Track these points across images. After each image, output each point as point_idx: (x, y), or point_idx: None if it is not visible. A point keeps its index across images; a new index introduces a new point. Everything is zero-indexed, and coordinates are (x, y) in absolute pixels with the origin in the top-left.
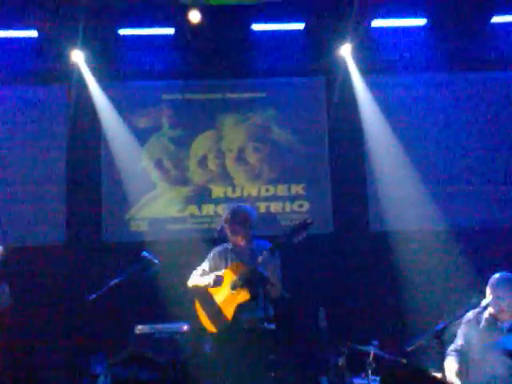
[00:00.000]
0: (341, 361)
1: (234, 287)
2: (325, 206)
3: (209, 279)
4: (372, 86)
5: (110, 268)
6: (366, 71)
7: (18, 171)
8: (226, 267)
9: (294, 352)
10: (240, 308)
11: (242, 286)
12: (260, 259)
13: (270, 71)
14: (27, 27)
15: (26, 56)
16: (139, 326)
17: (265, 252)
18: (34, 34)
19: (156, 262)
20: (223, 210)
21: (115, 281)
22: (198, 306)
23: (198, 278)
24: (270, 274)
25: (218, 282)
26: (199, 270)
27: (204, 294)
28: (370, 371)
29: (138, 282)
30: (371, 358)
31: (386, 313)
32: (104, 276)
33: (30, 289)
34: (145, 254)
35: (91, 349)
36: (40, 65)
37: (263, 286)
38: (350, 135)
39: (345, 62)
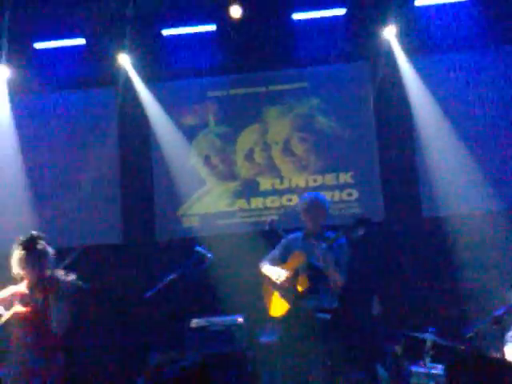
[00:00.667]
0: (398, 349)
1: (296, 275)
2: (375, 194)
3: (269, 272)
4: (418, 66)
5: (165, 264)
6: (412, 52)
7: (71, 174)
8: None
9: (350, 341)
10: (303, 295)
11: (304, 275)
12: (319, 251)
13: (312, 60)
14: (75, 35)
15: (74, 63)
16: (195, 320)
17: (323, 246)
18: (82, 41)
19: (209, 255)
20: (298, 199)
21: (171, 277)
22: (264, 291)
23: (267, 265)
24: (330, 265)
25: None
26: (270, 255)
27: (273, 282)
28: (428, 359)
29: (192, 276)
30: (429, 345)
31: (442, 299)
32: (159, 273)
33: (87, 288)
34: (198, 248)
35: (149, 344)
36: (88, 70)
37: (322, 277)
38: (398, 119)
39: (389, 44)
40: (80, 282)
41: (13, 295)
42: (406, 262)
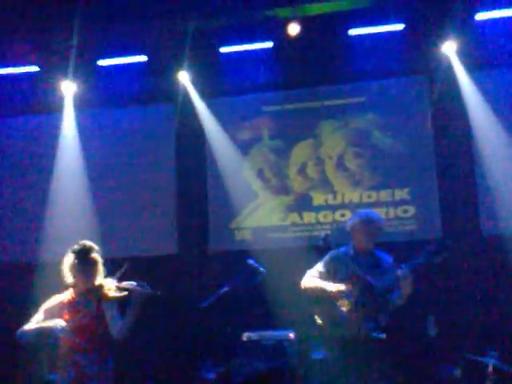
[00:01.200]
0: (457, 372)
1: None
2: (432, 210)
3: (332, 287)
4: (477, 81)
5: (217, 276)
6: (471, 66)
7: (130, 186)
8: (345, 272)
9: (405, 362)
10: (364, 316)
11: (358, 299)
12: (400, 273)
13: (369, 74)
14: (137, 52)
15: (136, 79)
16: (246, 333)
17: (404, 269)
18: (143, 58)
19: (261, 269)
20: (350, 216)
21: (225, 288)
22: (318, 309)
23: (316, 279)
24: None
25: (347, 296)
26: (314, 271)
27: (325, 298)
28: None
29: (244, 289)
30: (491, 369)
31: (504, 322)
32: (212, 284)
33: (157, 295)
34: (250, 261)
35: (201, 355)
36: (148, 86)
37: (384, 299)
38: (456, 135)
39: (448, 59)
40: (149, 289)
41: (60, 304)
42: (464, 282)
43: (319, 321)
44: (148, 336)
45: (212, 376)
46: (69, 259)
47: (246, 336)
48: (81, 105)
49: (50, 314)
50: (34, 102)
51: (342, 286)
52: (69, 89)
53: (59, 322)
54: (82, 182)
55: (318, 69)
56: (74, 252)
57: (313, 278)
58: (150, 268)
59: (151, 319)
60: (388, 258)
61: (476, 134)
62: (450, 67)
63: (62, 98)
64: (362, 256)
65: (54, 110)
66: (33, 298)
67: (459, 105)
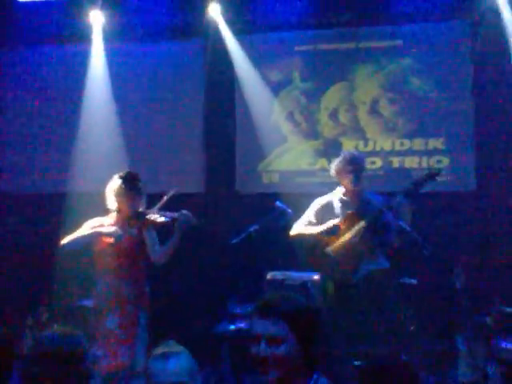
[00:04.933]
0: (489, 321)
1: (352, 237)
2: (466, 162)
3: (321, 228)
4: None
5: (243, 218)
6: None
7: (158, 122)
8: (335, 217)
9: (430, 309)
10: (358, 258)
11: (361, 236)
12: (396, 203)
13: (408, 17)
14: None
15: (165, 12)
16: (271, 273)
17: (399, 196)
18: None
19: (289, 211)
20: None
21: (254, 227)
22: (309, 257)
23: (305, 227)
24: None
25: (334, 231)
26: (303, 220)
27: (316, 243)
28: None
29: (272, 230)
30: None
31: None
32: (238, 224)
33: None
34: (278, 203)
35: (227, 292)
36: (177, 20)
37: (384, 236)
38: (498, 84)
39: (494, 3)
40: (193, 218)
41: (101, 226)
42: (495, 234)
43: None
44: (178, 269)
45: (239, 311)
46: (114, 184)
47: (270, 275)
48: (110, 37)
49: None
50: (63, 31)
51: (327, 224)
52: (97, 19)
53: (117, 229)
54: (110, 115)
55: (354, 9)
56: (121, 177)
57: (302, 226)
58: (177, 205)
59: (182, 253)
60: (378, 199)
61: None
62: (494, 10)
63: (90, 29)
64: (352, 199)
65: (83, 41)
66: (62, 227)
67: (504, 53)
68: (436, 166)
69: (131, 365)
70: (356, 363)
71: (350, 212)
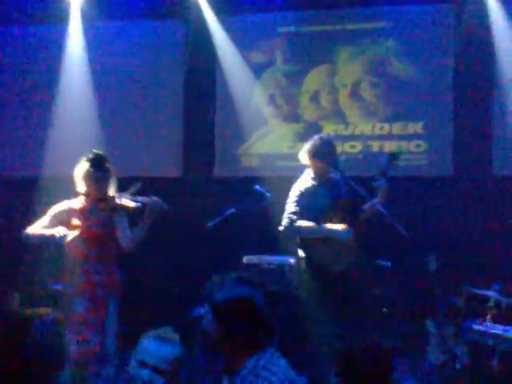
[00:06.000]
0: (459, 302)
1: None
2: (445, 147)
3: (329, 232)
4: (509, 11)
5: (222, 201)
6: None
7: (136, 103)
8: (322, 202)
9: (402, 292)
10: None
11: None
12: (378, 184)
13: None
14: None
15: None
16: (247, 257)
17: (380, 180)
18: None
19: (268, 195)
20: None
21: (230, 210)
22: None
23: (303, 223)
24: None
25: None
26: (291, 214)
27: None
28: (489, 317)
29: (249, 213)
30: (492, 303)
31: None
32: (216, 208)
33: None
34: (257, 187)
35: (203, 275)
36: (158, 0)
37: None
38: (478, 70)
39: None
40: (164, 204)
41: (70, 209)
42: (471, 219)
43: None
44: (153, 253)
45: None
46: (83, 167)
47: (246, 259)
48: (87, 16)
49: (58, 219)
50: (39, 11)
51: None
52: None
53: (61, 230)
54: (87, 97)
55: None
56: (88, 160)
57: (293, 219)
58: (154, 188)
59: (158, 236)
60: (341, 180)
61: (500, 71)
62: None
63: (67, 8)
64: (324, 183)
65: (61, 20)
66: (35, 212)
67: (487, 38)
68: (415, 150)
69: (100, 350)
70: (334, 345)
71: (343, 199)
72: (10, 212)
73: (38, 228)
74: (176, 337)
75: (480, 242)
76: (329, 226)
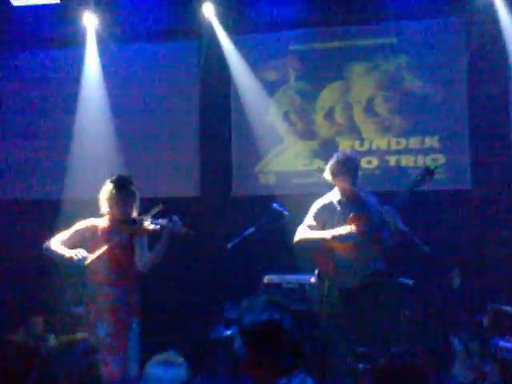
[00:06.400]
0: (485, 321)
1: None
2: (462, 161)
3: (332, 233)
4: None
5: (241, 220)
6: None
7: (152, 126)
8: (337, 219)
9: (426, 310)
10: (364, 260)
11: (369, 236)
12: (384, 210)
13: (403, 14)
14: None
15: (156, 13)
16: (268, 276)
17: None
18: None
19: (286, 213)
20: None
21: (250, 230)
22: (319, 258)
23: (309, 231)
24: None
25: (347, 237)
26: (305, 225)
27: (321, 246)
28: None
29: (268, 233)
30: None
31: None
32: (235, 227)
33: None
34: (275, 205)
35: (223, 296)
36: (171, 21)
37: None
38: (493, 82)
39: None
40: (183, 227)
41: (95, 227)
42: (492, 233)
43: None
44: (173, 274)
45: (235, 316)
46: (107, 189)
47: (267, 278)
48: (103, 39)
49: (81, 235)
50: (56, 35)
51: (343, 229)
52: (90, 21)
53: (80, 253)
54: (104, 119)
55: (348, 6)
56: (113, 182)
57: (306, 230)
58: (173, 209)
59: (177, 258)
60: (372, 198)
61: None
62: (491, 9)
63: (84, 32)
64: (350, 200)
65: (77, 44)
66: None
67: (499, 50)
68: (432, 164)
69: (123, 374)
70: (360, 365)
71: (353, 214)
72: (32, 236)
73: (59, 244)
74: (180, 359)
75: (503, 256)
76: (333, 230)
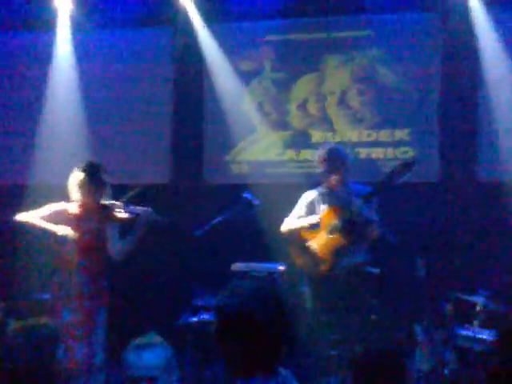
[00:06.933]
0: (448, 309)
1: (332, 231)
2: (431, 154)
3: (303, 222)
4: (495, 21)
5: (211, 208)
6: (490, 4)
7: (123, 111)
8: (322, 211)
9: (391, 298)
10: (338, 252)
11: (340, 230)
12: (357, 203)
13: (379, 7)
14: None
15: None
16: (236, 264)
17: (360, 197)
18: None
19: (256, 202)
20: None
21: (218, 219)
22: (292, 250)
23: (293, 221)
24: (369, 219)
25: (317, 225)
26: (293, 216)
27: (299, 239)
28: (476, 323)
29: (238, 221)
30: (479, 309)
31: (495, 265)
32: (205, 215)
33: (163, 221)
34: (246, 194)
35: (192, 283)
36: (146, 7)
37: (364, 229)
38: (464, 77)
39: None
40: (156, 215)
41: (67, 212)
42: (458, 224)
43: (295, 261)
44: (141, 261)
45: (202, 303)
46: (77, 176)
47: (235, 266)
48: (76, 25)
49: (53, 218)
50: (28, 17)
51: (313, 218)
52: (63, 4)
53: (64, 229)
54: (74, 105)
55: None
56: (83, 169)
57: (293, 220)
58: (144, 196)
59: (145, 245)
60: (359, 188)
61: (485, 78)
62: (464, 5)
63: (56, 15)
64: (335, 192)
65: (48, 28)
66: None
67: (471, 46)
68: (401, 156)
69: (88, 361)
70: (332, 352)
71: (330, 206)
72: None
73: (36, 218)
74: (158, 340)
75: (467, 247)
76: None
